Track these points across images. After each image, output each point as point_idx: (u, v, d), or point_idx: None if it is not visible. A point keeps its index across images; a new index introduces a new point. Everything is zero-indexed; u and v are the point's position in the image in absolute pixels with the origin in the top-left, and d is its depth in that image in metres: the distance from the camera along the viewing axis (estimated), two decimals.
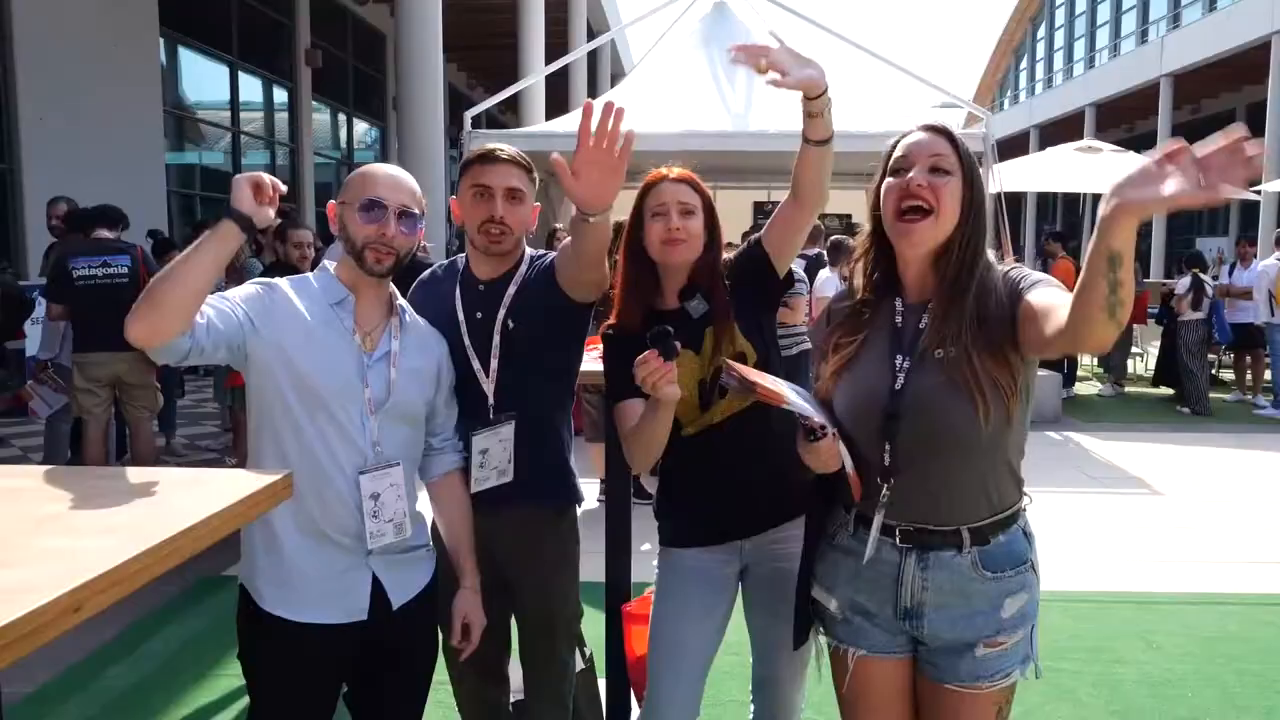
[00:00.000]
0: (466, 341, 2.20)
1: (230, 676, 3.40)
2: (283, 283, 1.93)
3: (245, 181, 1.72)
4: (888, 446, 1.70)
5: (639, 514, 3.05)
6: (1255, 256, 10.11)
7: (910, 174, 1.71)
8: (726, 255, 2.24)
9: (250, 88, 15.60)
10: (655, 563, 2.31)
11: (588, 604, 4.02)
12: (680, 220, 2.11)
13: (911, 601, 1.74)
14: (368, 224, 1.87)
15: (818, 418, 1.71)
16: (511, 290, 2.22)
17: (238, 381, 5.65)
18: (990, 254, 1.75)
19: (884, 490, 1.71)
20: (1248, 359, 10.15)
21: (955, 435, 1.65)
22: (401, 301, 2.02)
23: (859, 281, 1.86)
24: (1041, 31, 40.53)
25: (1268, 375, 9.76)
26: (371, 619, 1.91)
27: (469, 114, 8.94)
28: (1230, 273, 10.24)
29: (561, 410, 2.37)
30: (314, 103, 17.22)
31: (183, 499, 1.26)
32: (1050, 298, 1.59)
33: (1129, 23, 32.08)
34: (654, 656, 2.24)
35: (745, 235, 12.48)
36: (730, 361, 1.82)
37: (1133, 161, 1.54)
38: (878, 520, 1.73)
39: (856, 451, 1.74)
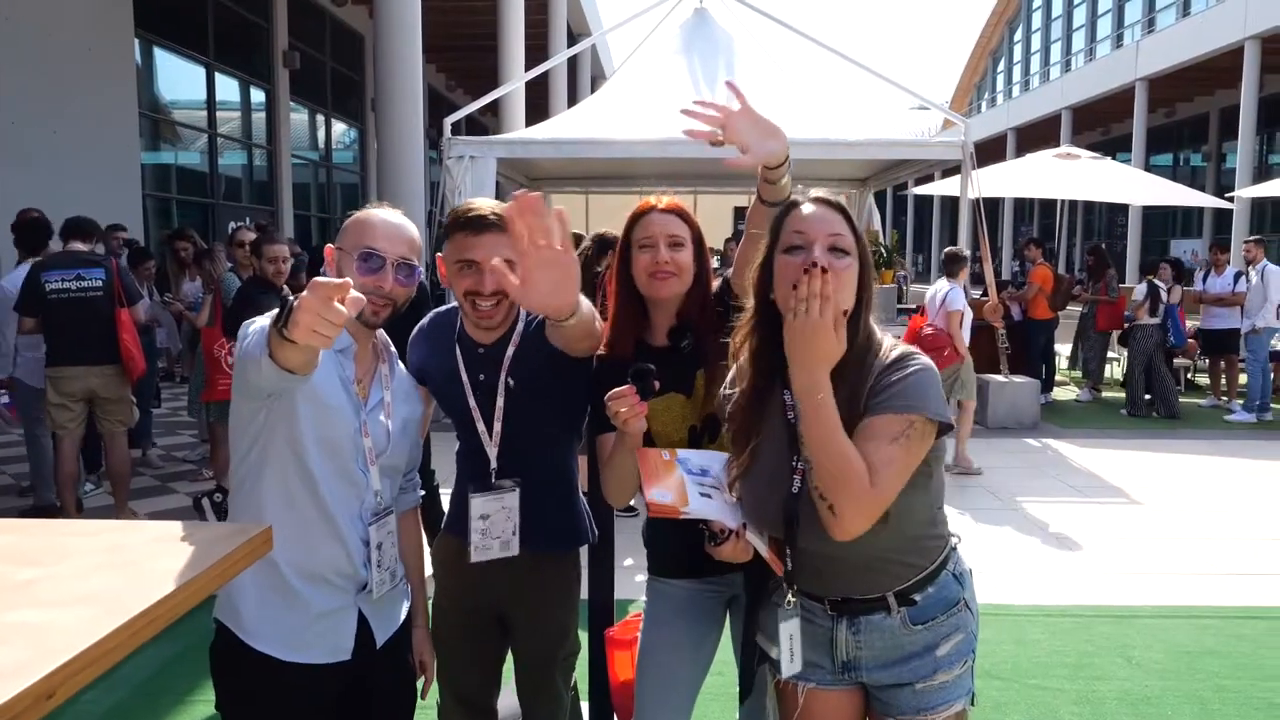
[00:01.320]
0: (471, 403, 2.18)
1: (207, 703, 3.36)
2: None
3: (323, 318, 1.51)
4: (789, 550, 1.73)
5: (620, 527, 3.03)
6: (1228, 263, 10.22)
7: (813, 253, 1.64)
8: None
9: (227, 89, 15.48)
10: (640, 578, 2.30)
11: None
12: (668, 253, 2.06)
13: (848, 657, 1.79)
14: (365, 275, 1.85)
15: (719, 521, 1.74)
16: (510, 351, 2.16)
17: (215, 396, 5.62)
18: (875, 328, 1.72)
19: (791, 588, 1.76)
20: (1222, 364, 10.26)
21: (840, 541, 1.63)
22: (384, 339, 2.01)
23: (745, 367, 1.79)
24: (1018, 34, 40.87)
25: (1242, 380, 9.87)
26: (354, 658, 1.91)
27: (449, 120, 8.89)
28: (1204, 279, 10.35)
29: (570, 459, 2.32)
30: (291, 104, 17.10)
31: (162, 561, 1.22)
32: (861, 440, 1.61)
33: (1104, 26, 32.40)
34: (642, 686, 2.22)
35: (727, 242, 12.52)
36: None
37: None
38: (792, 602, 1.76)
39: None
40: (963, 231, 9.08)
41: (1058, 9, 36.29)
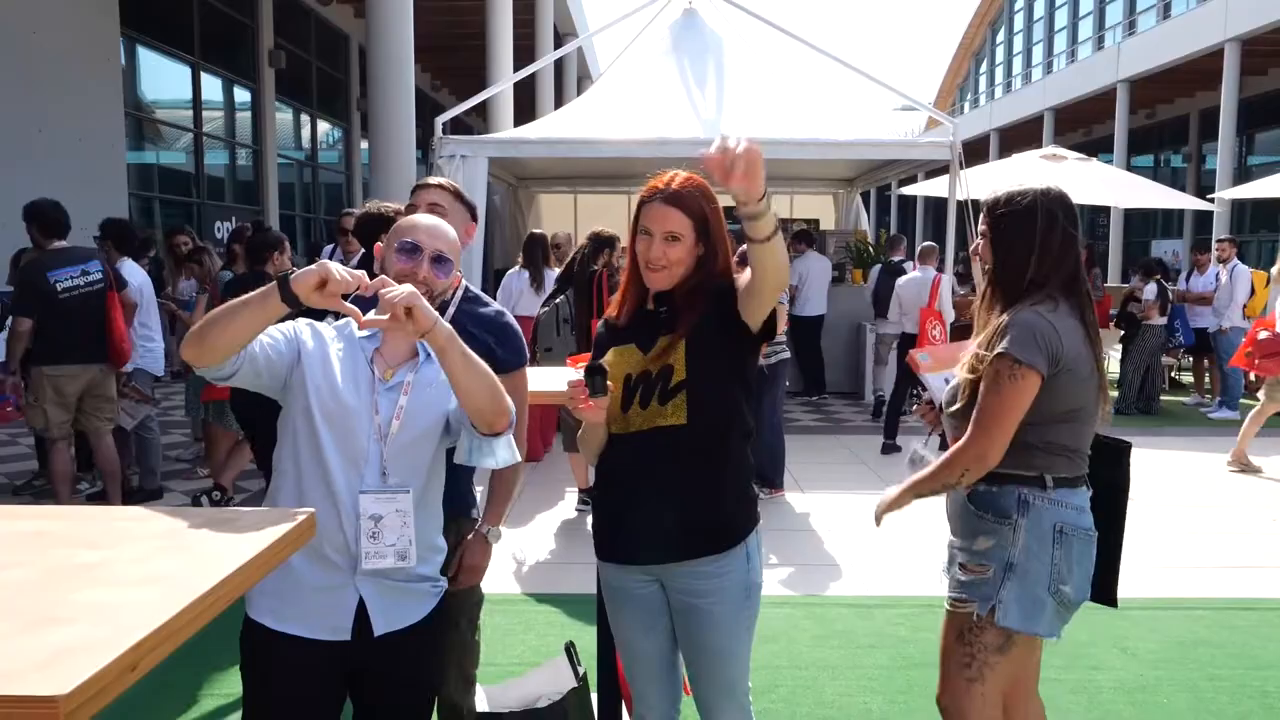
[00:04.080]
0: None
1: (213, 697, 3.38)
2: (326, 325, 2.05)
3: (317, 274, 1.72)
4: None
5: None
6: (1210, 264, 10.34)
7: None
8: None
9: (212, 88, 15.41)
10: None
11: (578, 618, 4.07)
12: (661, 247, 2.11)
13: (948, 517, 2.31)
14: (401, 262, 2.01)
15: (931, 392, 2.51)
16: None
17: (214, 395, 5.63)
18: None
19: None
20: (1205, 362, 10.39)
21: (950, 409, 2.29)
22: (426, 349, 2.02)
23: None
24: (1001, 36, 41.10)
25: None
26: (354, 641, 1.93)
27: (439, 120, 8.90)
28: (1187, 279, 10.48)
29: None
30: (277, 103, 17.04)
31: (215, 544, 1.26)
32: None
33: (1086, 28, 32.63)
34: (623, 661, 2.35)
35: None
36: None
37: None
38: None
39: None
40: (950, 232, 9.15)
41: (1040, 10, 36.51)
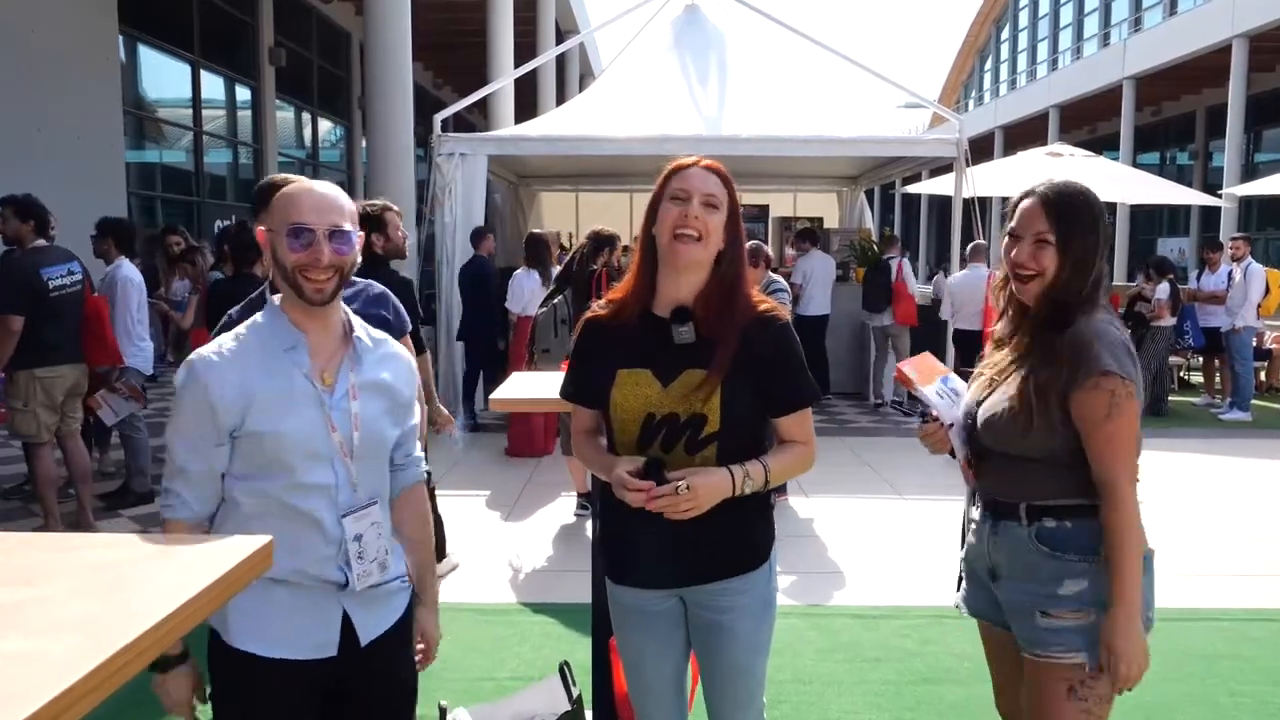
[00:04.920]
0: None
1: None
2: (224, 356, 1.77)
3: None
4: (972, 444, 2.11)
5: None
6: (1221, 262, 10.18)
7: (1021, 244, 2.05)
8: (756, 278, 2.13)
9: (213, 86, 15.31)
10: None
11: (574, 629, 3.95)
12: (700, 209, 1.89)
13: (992, 562, 2.05)
14: (298, 251, 1.79)
15: (937, 411, 2.15)
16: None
17: None
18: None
19: (974, 470, 2.12)
20: (1216, 363, 10.24)
21: (1005, 439, 2.00)
22: (356, 322, 1.92)
23: (1006, 313, 2.13)
24: (1005, 33, 40.92)
25: None
26: (340, 655, 1.85)
27: (438, 117, 8.80)
28: (1198, 278, 10.32)
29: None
30: (278, 102, 16.93)
31: (155, 580, 1.13)
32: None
33: (1091, 25, 32.45)
34: (630, 686, 2.19)
35: None
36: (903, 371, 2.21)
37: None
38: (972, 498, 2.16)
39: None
40: (956, 230, 9.03)
41: (1044, 8, 36.32)
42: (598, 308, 2.08)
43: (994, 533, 2.03)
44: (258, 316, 1.87)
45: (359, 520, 1.83)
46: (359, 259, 1.88)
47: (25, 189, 5.66)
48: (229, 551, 1.22)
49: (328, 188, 1.86)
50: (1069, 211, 1.96)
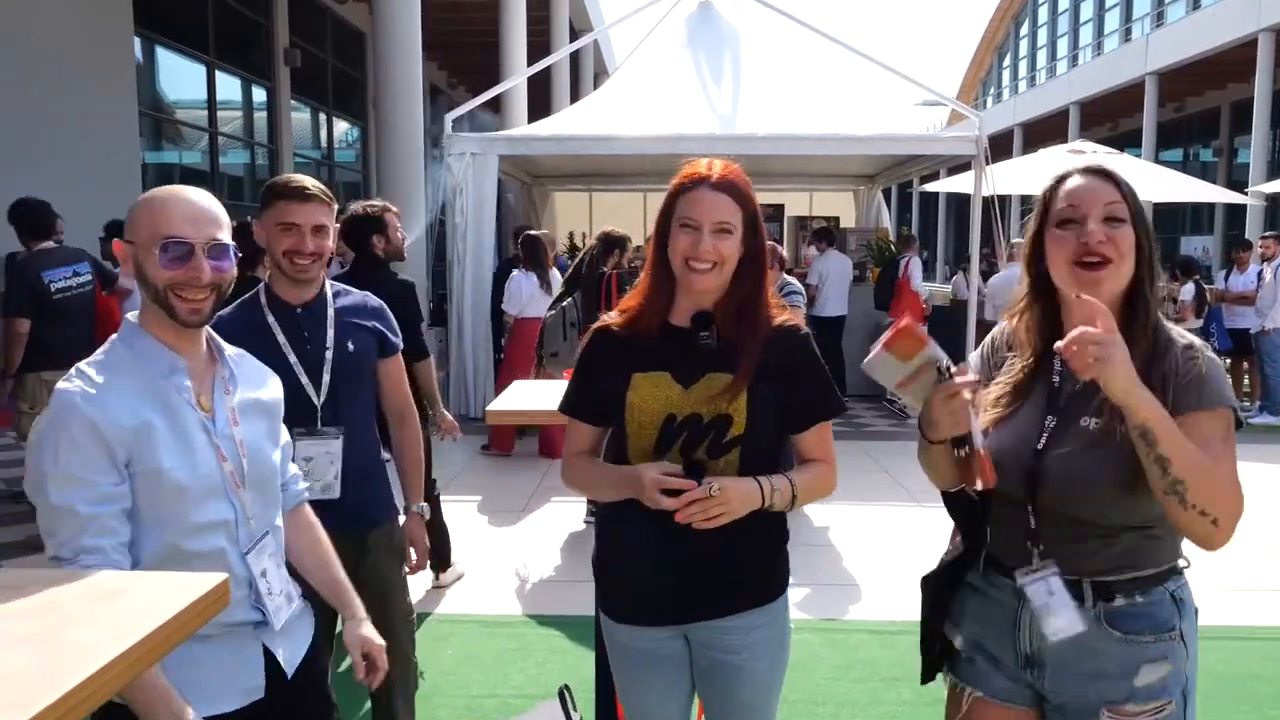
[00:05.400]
0: (292, 360, 2.34)
1: None
2: (99, 386, 1.55)
3: None
4: (1031, 507, 1.63)
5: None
6: (1251, 261, 9.96)
7: (1088, 227, 1.59)
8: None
9: (228, 87, 15.29)
10: None
11: (581, 644, 3.84)
12: (711, 241, 1.78)
13: (1032, 649, 1.66)
14: (172, 269, 1.59)
15: (965, 368, 1.64)
16: (330, 313, 2.42)
17: None
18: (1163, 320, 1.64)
19: (1034, 552, 1.64)
20: (1244, 365, 10.02)
21: (1083, 498, 1.59)
22: (217, 340, 1.76)
23: (1023, 337, 1.73)
24: (1024, 29, 40.52)
25: None
26: (268, 693, 1.74)
27: (449, 117, 8.71)
28: (1226, 278, 10.11)
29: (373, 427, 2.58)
30: (293, 102, 16.91)
31: (92, 627, 1.03)
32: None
33: (1112, 20, 32.07)
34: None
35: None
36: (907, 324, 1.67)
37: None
38: (1040, 564, 1.64)
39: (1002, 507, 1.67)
40: (975, 229, 8.86)
41: (1064, 3, 35.94)
42: (609, 318, 1.95)
43: (1046, 618, 1.61)
44: (116, 340, 1.66)
45: (259, 555, 1.70)
46: (235, 275, 1.71)
47: (42, 189, 5.63)
48: (180, 593, 1.12)
49: (202, 195, 1.67)
50: (1129, 186, 1.62)
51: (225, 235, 1.65)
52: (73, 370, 1.58)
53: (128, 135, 11.64)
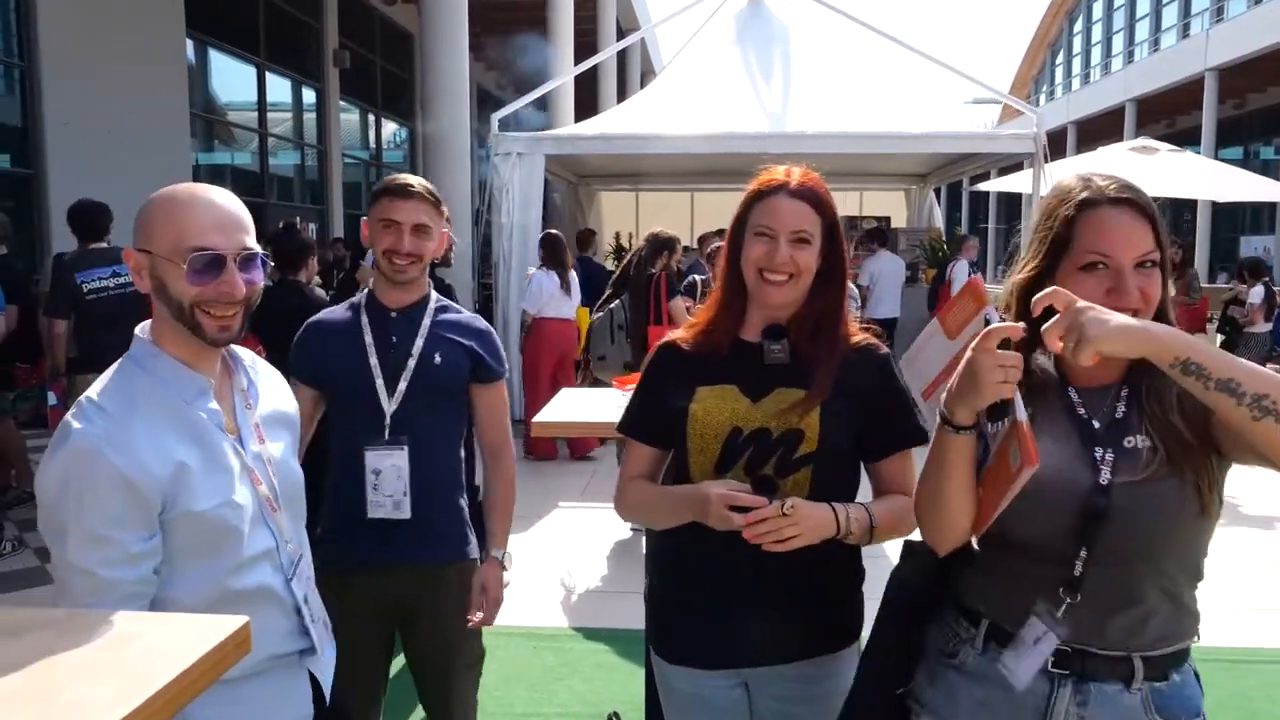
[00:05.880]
0: (373, 362, 2.22)
1: None
2: (118, 420, 1.39)
3: None
4: (1083, 552, 1.33)
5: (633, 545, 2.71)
6: None
7: (1125, 284, 1.35)
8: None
9: (278, 89, 15.42)
10: None
11: (629, 659, 3.72)
12: (789, 250, 1.65)
13: None
14: (202, 283, 1.41)
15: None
16: (426, 323, 2.27)
17: None
18: None
19: (1063, 604, 1.35)
20: None
21: (1165, 537, 1.33)
22: (234, 353, 1.62)
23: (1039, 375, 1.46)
24: (1079, 25, 39.70)
25: None
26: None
27: (496, 116, 8.65)
28: None
29: (458, 459, 2.36)
30: (342, 103, 17.01)
31: (90, 684, 0.92)
32: None
33: (1170, 15, 31.29)
34: None
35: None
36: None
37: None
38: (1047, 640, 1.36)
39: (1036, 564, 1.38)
40: (1028, 232, 8.60)
41: None
42: (676, 334, 1.83)
43: (1079, 703, 1.35)
44: (127, 362, 1.49)
45: (300, 580, 1.60)
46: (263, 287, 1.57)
47: (95, 190, 5.65)
48: (198, 637, 1.01)
49: (226, 197, 1.48)
50: (1156, 211, 1.40)
51: (253, 241, 1.48)
52: (83, 402, 1.40)
53: (179, 137, 11.76)
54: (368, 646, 2.22)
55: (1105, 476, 1.34)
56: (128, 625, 1.02)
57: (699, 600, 1.72)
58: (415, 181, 2.23)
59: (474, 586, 2.26)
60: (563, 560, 5.00)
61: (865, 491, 1.74)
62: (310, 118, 16.54)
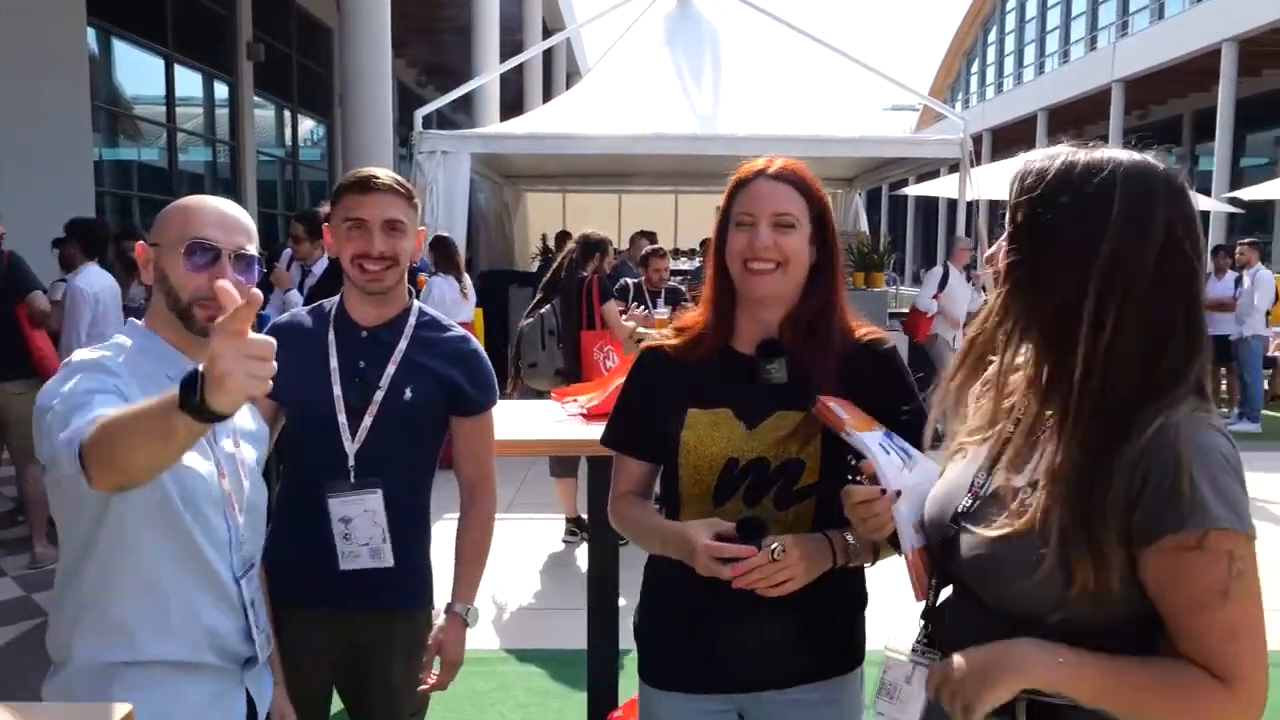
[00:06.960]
0: (336, 393, 1.94)
1: None
2: (117, 364, 1.47)
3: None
4: (933, 579, 1.32)
5: (627, 559, 2.56)
6: (1230, 267, 9.90)
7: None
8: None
9: (188, 82, 14.85)
10: None
11: (565, 682, 3.56)
12: (770, 235, 1.53)
13: None
14: (196, 272, 1.52)
15: (874, 467, 1.34)
16: (402, 345, 1.97)
17: None
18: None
19: (925, 625, 1.32)
20: (1222, 371, 9.96)
21: (1011, 595, 1.18)
22: None
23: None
24: (992, 36, 40.85)
25: None
26: None
27: (419, 113, 8.44)
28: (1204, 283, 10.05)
29: (425, 502, 2.09)
30: (256, 98, 16.48)
31: None
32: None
33: (1078, 29, 32.42)
34: None
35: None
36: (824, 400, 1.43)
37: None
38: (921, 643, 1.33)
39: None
40: (960, 233, 8.71)
41: (1032, 10, 36.29)
42: (662, 337, 1.70)
43: None
44: (121, 338, 1.56)
45: (249, 584, 1.60)
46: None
47: None
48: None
49: (233, 207, 1.60)
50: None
51: (253, 248, 1.58)
52: (83, 350, 1.49)
53: (79, 130, 11.19)
54: (309, 698, 1.96)
55: (965, 503, 1.27)
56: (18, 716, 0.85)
57: (691, 621, 1.60)
58: (381, 173, 1.95)
59: (430, 643, 2.01)
60: (492, 576, 4.81)
61: None
62: (223, 113, 15.98)
